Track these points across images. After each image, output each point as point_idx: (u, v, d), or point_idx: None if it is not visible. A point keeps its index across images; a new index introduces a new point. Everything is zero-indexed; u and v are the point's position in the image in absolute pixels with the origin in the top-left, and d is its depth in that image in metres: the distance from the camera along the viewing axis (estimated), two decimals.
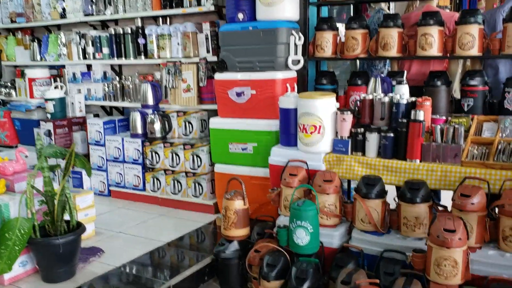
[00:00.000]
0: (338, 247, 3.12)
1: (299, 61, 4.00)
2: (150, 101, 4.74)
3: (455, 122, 3.25)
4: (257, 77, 3.97)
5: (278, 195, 3.44)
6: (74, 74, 5.49)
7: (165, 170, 4.55)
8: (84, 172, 4.93)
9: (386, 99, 3.32)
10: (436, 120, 3.27)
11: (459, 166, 2.99)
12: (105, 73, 5.39)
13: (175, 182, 4.51)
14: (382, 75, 3.70)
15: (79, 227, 3.15)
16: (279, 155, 3.64)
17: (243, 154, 4.12)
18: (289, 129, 3.64)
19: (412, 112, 3.12)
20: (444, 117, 3.30)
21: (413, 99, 3.28)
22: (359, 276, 2.70)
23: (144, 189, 4.70)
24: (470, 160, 2.98)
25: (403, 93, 3.47)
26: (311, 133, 3.40)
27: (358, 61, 4.81)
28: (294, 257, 3.03)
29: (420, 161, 3.13)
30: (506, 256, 2.69)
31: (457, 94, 3.85)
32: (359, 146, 3.35)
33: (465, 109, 3.47)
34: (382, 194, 3.07)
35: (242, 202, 3.21)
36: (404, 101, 3.25)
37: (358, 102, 3.48)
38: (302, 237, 2.95)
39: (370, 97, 3.41)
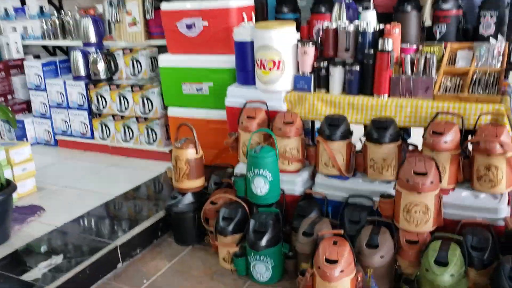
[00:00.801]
0: (300, 194, 2.86)
1: None
2: (92, 39, 4.25)
3: (427, 51, 2.93)
4: (208, 6, 3.52)
5: (236, 140, 3.13)
6: (6, 10, 4.88)
7: (113, 116, 4.16)
8: (28, 121, 4.49)
9: (351, 28, 2.96)
10: (406, 50, 2.94)
11: (430, 100, 2.71)
12: (41, 8, 4.81)
13: (126, 128, 4.14)
14: (347, 1, 3.30)
15: (9, 186, 2.79)
16: (235, 95, 3.29)
17: (198, 96, 3.76)
18: (246, 66, 3.26)
19: (380, 41, 2.78)
20: (414, 46, 2.97)
21: (381, 26, 2.92)
22: (322, 226, 2.46)
23: (92, 137, 4.32)
24: (443, 93, 2.70)
25: (369, 20, 3.10)
26: (270, 69, 3.03)
27: None
28: (253, 208, 2.77)
29: (389, 97, 2.83)
30: (480, 197, 2.48)
31: (428, 22, 3.50)
32: (322, 82, 3.02)
33: (437, 36, 3.14)
34: (347, 135, 2.78)
35: (194, 151, 2.88)
36: (371, 30, 2.89)
37: (321, 32, 3.10)
38: (260, 187, 2.68)
39: (334, 26, 3.04)
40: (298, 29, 3.25)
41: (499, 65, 2.74)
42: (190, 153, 2.86)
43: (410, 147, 2.75)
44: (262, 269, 2.53)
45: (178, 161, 2.87)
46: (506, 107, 2.54)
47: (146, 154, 4.13)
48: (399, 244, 2.37)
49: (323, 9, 3.42)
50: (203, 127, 3.75)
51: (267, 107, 3.10)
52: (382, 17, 3.24)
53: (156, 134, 4.04)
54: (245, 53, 3.23)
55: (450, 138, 2.48)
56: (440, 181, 2.34)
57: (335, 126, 2.76)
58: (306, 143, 2.98)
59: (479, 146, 2.45)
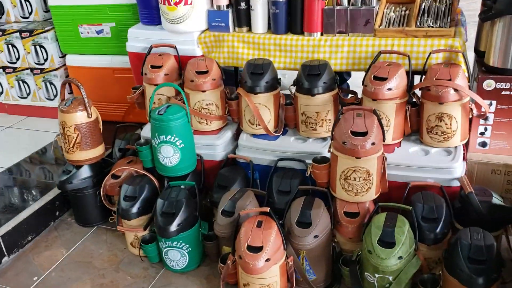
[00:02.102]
0: (222, 160, 2.38)
1: None
2: None
3: None
4: None
5: (142, 95, 2.56)
6: None
7: (3, 68, 3.44)
8: None
9: None
10: None
11: (371, 37, 2.22)
12: None
13: (20, 83, 3.45)
14: None
15: None
16: (138, 38, 2.67)
17: (99, 39, 3.12)
18: (148, 2, 2.63)
19: None
20: None
21: None
22: (245, 201, 2.00)
23: None
24: (386, 27, 2.21)
25: None
26: (176, 4, 2.42)
27: None
28: (164, 181, 2.27)
29: (322, 35, 2.32)
30: (431, 153, 2.08)
31: None
32: (243, 18, 2.45)
33: None
34: (274, 84, 2.28)
35: (84, 114, 2.29)
36: None
37: None
38: (169, 156, 2.16)
39: None
40: None
41: None
42: (80, 117, 2.27)
43: (349, 97, 2.28)
44: (177, 256, 2.08)
45: (65, 128, 2.28)
46: (461, 42, 2.09)
47: (48, 112, 3.49)
48: (336, 218, 1.96)
49: None
50: (108, 77, 3.18)
51: (178, 52, 2.52)
52: None
53: (56, 88, 3.39)
54: None
55: (395, 83, 2.02)
56: (384, 139, 1.90)
57: (258, 74, 2.24)
58: (228, 96, 2.46)
59: (430, 92, 2.01)
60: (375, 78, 2.05)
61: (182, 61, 2.51)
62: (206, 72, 2.33)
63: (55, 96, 3.43)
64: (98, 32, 3.10)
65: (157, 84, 2.41)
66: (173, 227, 1.98)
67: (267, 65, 2.25)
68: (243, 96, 2.27)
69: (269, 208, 1.87)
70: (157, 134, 2.13)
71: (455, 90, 1.96)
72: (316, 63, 2.20)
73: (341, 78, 3.03)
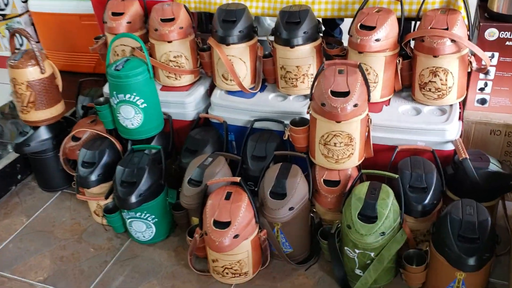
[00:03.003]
0: (194, 119, 2.15)
1: None
2: None
3: None
4: None
5: (105, 46, 2.29)
6: None
7: None
8: None
9: None
10: None
11: None
12: None
13: None
14: None
15: None
16: None
17: None
18: None
19: None
20: None
21: None
22: (215, 169, 1.80)
23: None
24: None
25: None
26: None
27: None
28: (128, 144, 2.06)
29: None
30: (423, 112, 1.85)
31: None
32: None
33: None
34: (249, 33, 2.01)
35: (37, 69, 2.04)
36: None
37: None
38: (130, 117, 1.94)
39: None
40: None
41: None
42: (32, 73, 2.03)
43: (333, 50, 2.01)
44: (142, 227, 1.90)
45: (16, 85, 2.04)
46: None
47: None
48: (315, 186, 1.76)
49: None
50: (74, 25, 2.92)
51: None
52: None
53: (21, 36, 3.10)
54: None
55: (384, 33, 1.77)
56: (369, 99, 1.67)
57: (231, 22, 1.97)
58: (199, 45, 2.20)
59: (423, 44, 1.76)
60: (362, 27, 1.79)
61: (148, 6, 2.22)
62: (172, 19, 2.06)
63: (21, 45, 3.15)
64: None
65: (118, 33, 2.14)
66: (134, 197, 1.79)
67: (241, 11, 1.98)
68: (214, 47, 2.01)
69: (239, 178, 1.67)
70: (115, 92, 1.90)
71: (452, 41, 1.70)
72: (296, 9, 1.93)
73: (332, 22, 2.75)
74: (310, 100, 1.70)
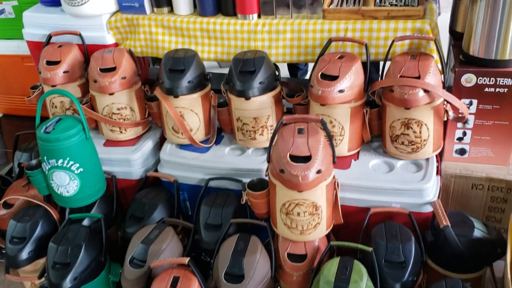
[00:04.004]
0: (141, 178, 1.91)
1: None
2: None
3: None
4: None
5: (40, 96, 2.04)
6: None
7: None
8: None
9: None
10: None
11: (319, 19, 1.74)
12: None
13: None
14: None
15: None
16: (36, 23, 2.13)
17: (1, 21, 2.58)
18: None
19: None
20: None
21: None
22: (161, 244, 1.55)
23: None
24: (338, 7, 1.73)
25: None
26: None
27: None
28: (66, 211, 1.80)
29: (259, 17, 1.83)
30: (396, 168, 1.65)
31: None
32: None
33: None
34: (201, 82, 1.79)
35: None
36: None
37: None
38: (64, 184, 1.68)
39: None
40: None
41: None
42: None
43: (296, 96, 1.80)
44: None
45: None
46: (433, 25, 1.63)
47: None
48: (278, 261, 1.53)
49: None
50: (16, 66, 2.66)
51: (83, 41, 2.01)
52: None
53: None
54: None
55: (348, 83, 1.57)
56: (334, 160, 1.45)
57: (178, 72, 1.75)
58: (147, 94, 1.97)
59: (393, 94, 1.56)
60: (323, 76, 1.58)
61: (90, 52, 1.99)
62: (113, 69, 1.82)
63: None
64: None
65: (54, 85, 1.91)
66: (68, 282, 1.53)
67: (190, 59, 1.76)
68: (161, 100, 1.78)
69: (187, 259, 1.43)
70: (45, 157, 1.64)
71: (425, 90, 1.51)
72: (250, 55, 1.72)
73: (293, 67, 2.57)
74: (268, 162, 1.49)
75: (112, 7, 1.99)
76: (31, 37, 2.15)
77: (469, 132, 1.67)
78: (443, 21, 1.87)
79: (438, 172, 1.67)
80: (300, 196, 1.40)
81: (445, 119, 1.62)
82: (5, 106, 2.90)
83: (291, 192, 1.40)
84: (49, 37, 2.04)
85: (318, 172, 1.37)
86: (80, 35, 2.01)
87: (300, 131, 1.43)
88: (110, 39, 2.03)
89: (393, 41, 1.62)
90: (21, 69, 2.66)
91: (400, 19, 1.64)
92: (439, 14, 2.00)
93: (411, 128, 1.58)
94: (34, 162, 1.79)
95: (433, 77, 1.52)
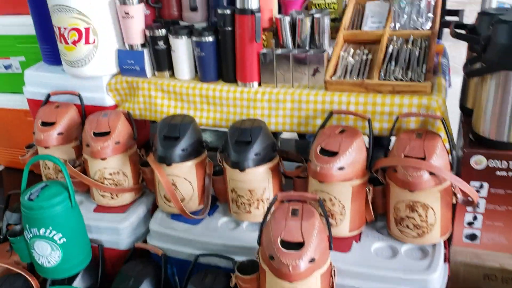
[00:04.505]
0: (129, 249, 1.80)
1: None
2: None
3: (318, 4, 1.85)
4: None
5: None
6: None
7: None
8: None
9: None
10: (288, 4, 1.86)
11: (321, 90, 1.67)
12: None
13: None
14: None
15: None
16: (37, 82, 2.12)
17: (7, 76, 2.60)
18: (51, 36, 2.07)
19: None
20: None
21: None
22: None
23: None
24: (341, 78, 1.65)
25: None
26: (75, 43, 1.87)
27: None
28: (48, 282, 1.70)
29: (260, 85, 1.77)
30: (401, 253, 1.52)
31: None
32: (163, 60, 1.90)
33: None
34: (197, 150, 1.72)
35: None
36: None
37: None
38: (46, 255, 1.59)
39: None
40: None
41: (428, 25, 1.71)
42: None
43: (295, 168, 1.71)
44: None
45: None
46: (440, 102, 1.54)
47: None
48: None
49: None
50: (19, 121, 2.64)
51: (82, 102, 1.97)
52: None
53: None
54: (45, 16, 2.03)
55: (349, 160, 1.47)
56: (330, 246, 1.34)
57: (172, 139, 1.68)
58: (143, 158, 1.90)
59: (396, 175, 1.46)
60: (322, 152, 1.49)
61: (88, 113, 1.95)
62: (107, 133, 1.77)
63: None
64: (6, 67, 2.57)
65: (48, 146, 1.86)
66: None
67: (186, 126, 1.69)
68: (153, 167, 1.70)
69: None
70: (27, 225, 1.56)
71: (431, 173, 1.40)
72: (248, 125, 1.64)
73: None
74: (258, 244, 1.37)
75: (112, 69, 1.96)
76: (31, 95, 2.13)
77: (480, 217, 1.54)
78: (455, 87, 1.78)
79: (446, 259, 1.53)
80: (291, 286, 1.28)
81: (454, 202, 1.50)
82: (7, 159, 2.87)
83: (281, 282, 1.28)
84: (48, 96, 2.01)
85: (311, 261, 1.25)
86: (79, 95, 1.98)
87: (294, 212, 1.33)
88: (109, 101, 1.99)
89: (397, 118, 1.53)
90: (23, 123, 2.63)
91: (406, 94, 1.55)
92: (450, 85, 1.92)
93: (417, 211, 1.46)
94: (18, 227, 1.70)
95: (439, 158, 1.41)
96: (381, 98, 1.57)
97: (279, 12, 1.86)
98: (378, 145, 1.62)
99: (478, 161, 1.46)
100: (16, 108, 2.63)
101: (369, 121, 1.56)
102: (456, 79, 1.88)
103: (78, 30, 1.84)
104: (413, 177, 1.40)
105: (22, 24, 2.39)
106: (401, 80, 1.57)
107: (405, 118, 1.56)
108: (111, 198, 1.84)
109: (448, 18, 2.02)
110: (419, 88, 1.54)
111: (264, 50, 1.72)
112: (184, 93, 1.85)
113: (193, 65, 1.87)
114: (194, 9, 1.84)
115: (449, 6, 1.89)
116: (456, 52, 2.30)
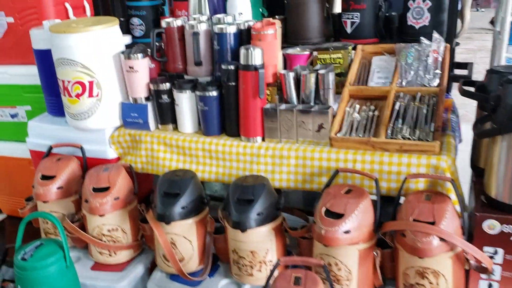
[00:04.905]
0: None
1: None
2: None
3: (324, 59, 1.83)
4: None
5: (35, 210, 1.95)
6: None
7: None
8: None
9: (203, 27, 1.82)
10: (293, 59, 1.84)
11: (326, 146, 1.63)
12: None
13: None
14: None
15: None
16: (40, 133, 2.11)
17: (13, 124, 2.57)
18: (55, 87, 2.07)
19: (241, 52, 1.65)
20: (307, 51, 1.87)
21: (250, 23, 1.79)
22: None
23: None
24: (346, 135, 1.61)
25: (240, 12, 1.97)
26: (78, 96, 1.86)
27: None
28: None
29: (263, 140, 1.73)
30: None
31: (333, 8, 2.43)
32: (167, 114, 1.88)
33: (349, 30, 2.06)
34: (197, 207, 1.66)
35: None
36: (232, 29, 1.76)
37: (163, 34, 1.95)
38: None
39: (179, 23, 1.89)
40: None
41: (436, 82, 1.67)
42: None
43: (301, 227, 1.64)
44: None
45: None
46: (450, 162, 1.48)
47: None
48: None
49: None
50: (24, 170, 2.60)
51: (84, 155, 1.94)
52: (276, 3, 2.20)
53: None
54: (50, 68, 2.03)
55: (356, 223, 1.40)
56: None
57: (172, 196, 1.63)
58: (143, 213, 1.85)
59: (405, 240, 1.38)
60: (328, 213, 1.43)
61: (90, 166, 1.92)
62: (106, 189, 1.72)
63: None
64: (12, 116, 2.56)
65: (46, 201, 1.81)
66: None
67: (186, 182, 1.65)
68: (152, 225, 1.65)
69: None
70: (19, 286, 1.50)
71: (441, 239, 1.33)
72: (250, 182, 1.59)
73: None
74: None
75: (115, 122, 1.94)
76: (34, 146, 2.11)
77: (496, 285, 1.45)
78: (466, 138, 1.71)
79: None
80: None
81: (467, 268, 1.42)
82: (10, 207, 2.83)
83: None
84: (50, 148, 1.99)
85: None
86: (81, 148, 1.95)
87: (297, 281, 1.25)
88: (111, 154, 1.96)
89: (405, 179, 1.47)
90: (27, 172, 2.60)
91: (414, 153, 1.50)
92: (460, 141, 1.86)
93: (427, 278, 1.38)
94: (11, 286, 1.64)
95: (450, 223, 1.34)
96: (388, 157, 1.52)
97: (284, 67, 1.84)
98: (387, 201, 1.55)
99: (492, 226, 1.38)
100: (20, 156, 2.61)
101: (377, 181, 1.50)
102: (468, 128, 1.82)
103: (81, 84, 1.83)
104: (423, 242, 1.32)
105: (29, 74, 2.39)
106: (409, 138, 1.52)
107: (413, 179, 1.50)
108: (109, 255, 1.78)
109: (457, 71, 1.99)
110: (427, 148, 1.48)
111: (268, 105, 1.69)
112: (187, 147, 1.81)
113: (196, 119, 1.85)
114: (198, 63, 1.82)
115: (458, 52, 1.84)
116: (467, 99, 2.25)
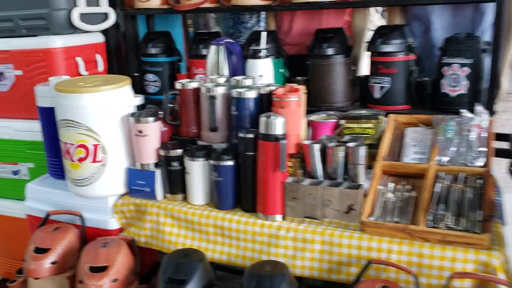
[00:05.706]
0: None
1: (106, 15, 2.24)
2: None
3: (352, 129, 1.66)
4: (21, 46, 2.18)
5: (24, 285, 1.75)
6: None
7: None
8: None
9: (220, 90, 1.66)
10: (318, 127, 1.67)
11: (357, 231, 1.42)
12: None
13: None
14: (231, 40, 2.00)
15: None
16: (39, 198, 1.94)
17: (14, 182, 2.42)
18: (55, 150, 1.92)
19: (262, 120, 1.49)
20: (333, 119, 1.70)
21: (272, 88, 1.64)
22: None
23: None
24: (380, 220, 1.41)
25: (260, 74, 1.82)
26: (81, 160, 1.69)
27: (214, 17, 3.12)
28: None
29: (283, 219, 1.53)
30: None
31: (364, 69, 2.28)
32: (177, 182, 1.71)
33: (377, 95, 1.89)
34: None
35: None
36: (252, 94, 1.60)
37: (177, 96, 1.80)
38: None
39: (195, 85, 1.74)
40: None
41: (480, 161, 1.47)
42: None
43: None
44: None
45: None
46: (503, 259, 1.26)
47: None
48: None
49: (204, 51, 2.14)
50: (21, 230, 2.42)
51: (83, 225, 1.76)
52: (297, 62, 2.05)
53: None
54: (54, 128, 1.88)
55: None
56: None
57: (178, 282, 1.42)
58: None
59: None
60: None
61: (89, 236, 1.73)
62: (104, 268, 1.53)
63: None
64: (15, 173, 2.41)
65: (37, 277, 1.62)
66: None
67: (194, 265, 1.44)
68: None
69: None
70: None
71: None
72: (268, 270, 1.38)
73: None
74: None
75: (120, 189, 1.77)
76: (31, 211, 1.95)
77: None
78: None
79: None
80: None
81: None
82: (6, 270, 2.64)
83: None
84: (47, 216, 1.81)
85: None
86: (81, 216, 1.77)
87: None
88: (113, 224, 1.78)
89: (449, 278, 1.25)
90: (25, 233, 2.42)
91: (459, 246, 1.29)
92: (505, 224, 1.64)
93: None
94: None
95: None
96: (429, 249, 1.31)
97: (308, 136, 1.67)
98: None
99: None
100: (19, 216, 2.44)
101: (416, 277, 1.28)
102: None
103: (85, 147, 1.68)
104: None
105: (34, 130, 2.26)
106: (452, 228, 1.31)
107: (458, 278, 1.28)
108: None
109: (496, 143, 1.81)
110: (475, 241, 1.27)
111: (289, 179, 1.51)
112: (196, 222, 1.62)
113: (208, 190, 1.66)
114: (214, 129, 1.66)
115: None
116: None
